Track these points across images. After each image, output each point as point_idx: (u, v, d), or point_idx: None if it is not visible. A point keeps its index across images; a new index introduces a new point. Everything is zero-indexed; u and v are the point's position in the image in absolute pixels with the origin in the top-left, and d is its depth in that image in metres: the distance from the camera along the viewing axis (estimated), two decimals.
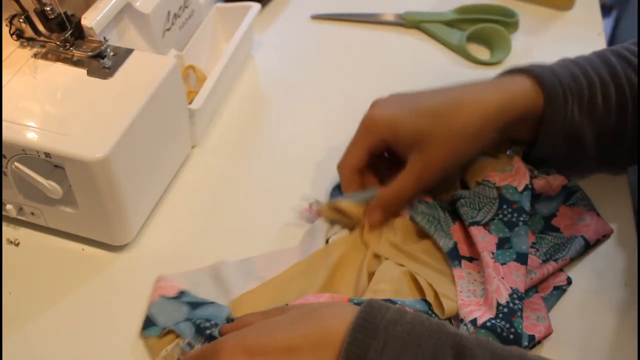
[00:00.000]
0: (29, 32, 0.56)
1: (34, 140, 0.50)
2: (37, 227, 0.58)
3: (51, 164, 0.52)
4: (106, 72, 0.55)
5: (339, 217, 0.57)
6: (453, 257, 0.54)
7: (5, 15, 0.56)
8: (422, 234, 0.56)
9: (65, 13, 0.56)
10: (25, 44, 0.58)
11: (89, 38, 0.57)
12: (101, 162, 0.49)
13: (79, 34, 0.57)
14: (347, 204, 0.56)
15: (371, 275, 0.53)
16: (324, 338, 0.40)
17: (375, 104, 0.57)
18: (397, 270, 0.53)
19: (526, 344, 0.48)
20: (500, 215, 0.55)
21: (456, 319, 0.50)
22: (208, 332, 0.48)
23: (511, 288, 0.50)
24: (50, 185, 0.52)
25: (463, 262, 0.54)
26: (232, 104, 0.72)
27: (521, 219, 0.55)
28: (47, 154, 0.49)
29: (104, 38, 0.57)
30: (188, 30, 0.70)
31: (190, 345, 0.47)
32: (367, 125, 0.56)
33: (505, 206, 0.56)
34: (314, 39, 0.81)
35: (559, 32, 0.82)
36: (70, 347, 0.51)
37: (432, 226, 0.55)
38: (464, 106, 0.54)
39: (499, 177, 0.57)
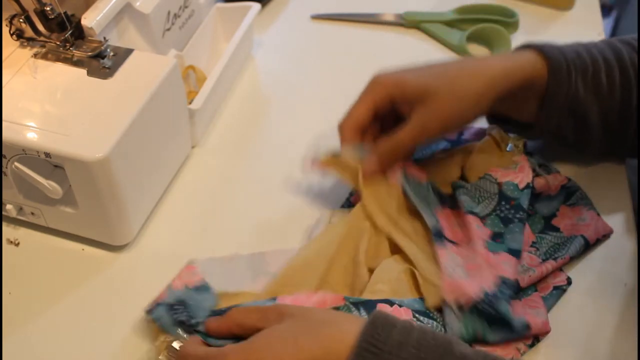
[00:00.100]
0: (29, 32, 0.57)
1: (34, 140, 0.50)
2: (37, 227, 0.58)
3: (51, 164, 0.52)
4: (106, 72, 0.55)
5: (339, 171, 0.57)
6: (437, 236, 0.54)
7: (5, 15, 0.56)
8: (414, 212, 0.56)
9: (65, 13, 0.56)
10: (25, 44, 0.58)
11: (89, 38, 0.57)
12: (101, 162, 0.49)
13: (79, 34, 0.57)
14: (347, 153, 0.56)
15: (370, 270, 0.53)
16: None
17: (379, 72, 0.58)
18: (395, 270, 0.53)
19: (519, 329, 0.48)
20: (498, 211, 0.56)
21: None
22: (191, 327, 0.47)
23: (500, 277, 0.50)
24: (50, 185, 0.52)
25: (447, 244, 0.54)
26: (232, 104, 0.72)
27: (517, 215, 0.55)
28: (47, 154, 0.49)
29: (104, 38, 0.57)
30: (188, 30, 0.70)
31: (179, 342, 0.47)
32: (375, 82, 0.57)
33: (504, 202, 0.56)
34: (314, 39, 0.81)
35: (559, 32, 0.82)
36: (70, 347, 0.51)
37: (420, 202, 0.55)
38: (469, 69, 0.56)
39: (501, 173, 0.57)
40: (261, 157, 0.66)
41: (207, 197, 0.62)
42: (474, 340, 0.48)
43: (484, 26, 0.79)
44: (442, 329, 0.49)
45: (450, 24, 0.81)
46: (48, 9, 0.55)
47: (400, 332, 0.40)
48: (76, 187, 0.52)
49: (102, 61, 0.56)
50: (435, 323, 0.49)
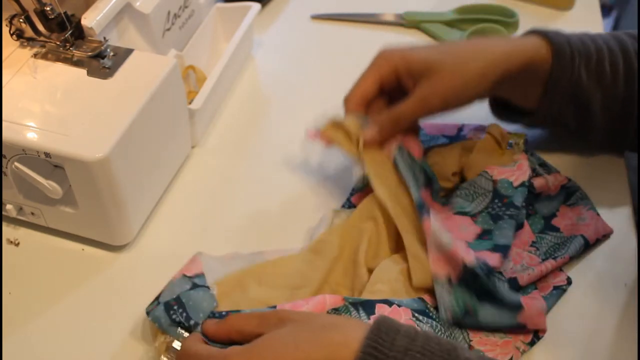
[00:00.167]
0: (29, 32, 0.57)
1: (34, 140, 0.50)
2: (37, 227, 0.58)
3: (51, 164, 0.52)
4: (106, 72, 0.55)
5: (340, 141, 0.57)
6: (422, 209, 0.54)
7: (5, 15, 0.56)
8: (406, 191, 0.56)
9: (65, 13, 0.56)
10: (25, 44, 0.58)
11: (89, 38, 0.57)
12: (101, 162, 0.49)
13: (79, 34, 0.57)
14: (350, 121, 0.56)
15: (369, 271, 0.53)
16: None
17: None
18: (395, 271, 0.53)
19: (511, 305, 0.49)
20: (490, 209, 0.56)
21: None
22: (188, 327, 0.47)
23: (480, 259, 0.50)
24: (50, 185, 0.52)
25: (431, 214, 0.53)
26: (232, 104, 0.72)
27: (508, 212, 0.55)
28: (47, 154, 0.49)
29: (104, 38, 0.57)
30: (188, 30, 0.70)
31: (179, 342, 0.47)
32: (381, 56, 0.58)
33: (497, 200, 0.56)
34: (314, 39, 0.81)
35: None
36: (70, 347, 0.51)
37: (409, 176, 0.55)
38: (473, 48, 0.57)
39: (498, 171, 0.57)
40: (261, 157, 0.66)
41: (207, 197, 0.62)
42: (466, 316, 0.49)
43: (484, 26, 0.79)
44: (442, 328, 0.49)
45: (450, 24, 0.81)
46: (48, 9, 0.55)
47: (405, 337, 0.40)
48: (76, 187, 0.52)
49: (102, 61, 0.56)
50: (434, 323, 0.49)
